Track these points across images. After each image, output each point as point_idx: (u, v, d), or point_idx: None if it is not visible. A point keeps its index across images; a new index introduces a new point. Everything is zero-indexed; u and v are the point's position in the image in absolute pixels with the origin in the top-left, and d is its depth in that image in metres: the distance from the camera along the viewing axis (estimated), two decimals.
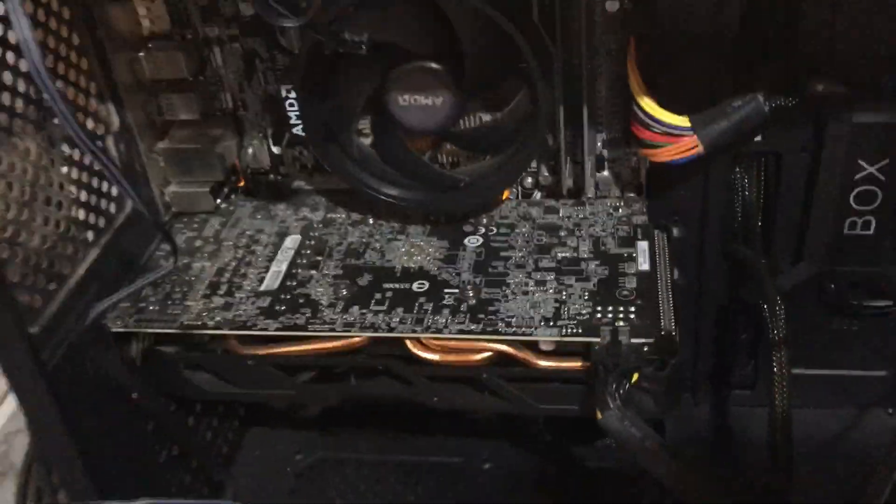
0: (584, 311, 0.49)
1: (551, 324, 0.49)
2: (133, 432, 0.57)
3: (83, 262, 0.52)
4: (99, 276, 0.53)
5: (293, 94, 0.53)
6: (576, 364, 0.49)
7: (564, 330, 0.48)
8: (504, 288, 0.52)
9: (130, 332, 0.52)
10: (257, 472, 0.71)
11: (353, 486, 0.69)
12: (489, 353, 0.50)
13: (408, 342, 0.50)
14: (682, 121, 0.47)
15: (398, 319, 0.50)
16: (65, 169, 0.51)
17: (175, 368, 0.55)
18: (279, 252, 0.57)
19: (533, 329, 0.48)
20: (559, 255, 0.54)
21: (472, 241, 0.57)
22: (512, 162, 0.55)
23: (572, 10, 0.51)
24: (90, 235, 0.53)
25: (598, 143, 0.57)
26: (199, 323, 0.52)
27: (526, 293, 0.51)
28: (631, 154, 0.57)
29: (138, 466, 0.58)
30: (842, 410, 0.59)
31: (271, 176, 0.63)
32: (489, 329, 0.49)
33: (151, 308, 0.53)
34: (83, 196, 0.53)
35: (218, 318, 0.52)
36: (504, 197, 0.60)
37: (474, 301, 0.51)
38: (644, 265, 0.52)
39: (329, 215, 0.61)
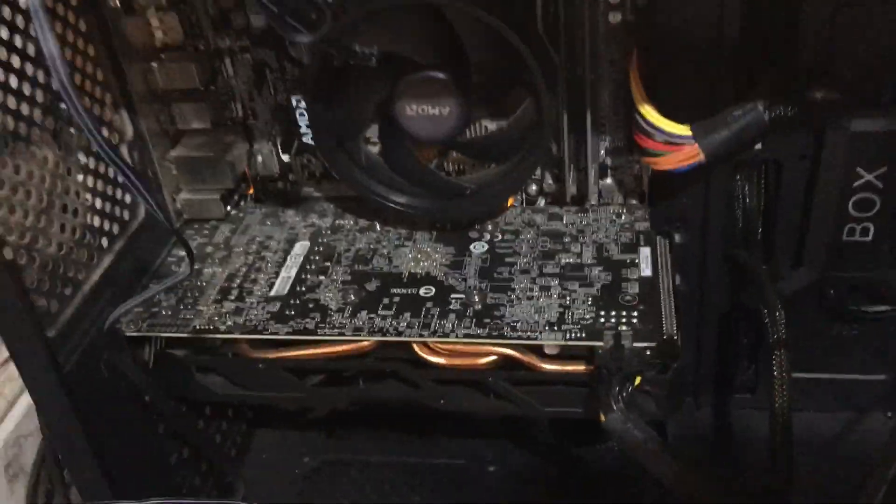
0: (587, 316, 0.50)
1: (555, 328, 0.49)
2: (145, 434, 0.58)
3: (98, 268, 0.53)
4: (113, 281, 0.54)
5: (303, 104, 0.54)
6: (580, 367, 0.50)
7: (568, 334, 0.49)
8: (509, 293, 0.52)
9: (144, 335, 0.53)
10: (265, 474, 0.71)
11: (359, 488, 0.69)
12: (495, 357, 0.51)
13: (415, 346, 0.51)
14: (684, 130, 0.47)
15: (406, 324, 0.51)
16: (80, 177, 0.52)
17: (187, 372, 0.55)
18: (289, 258, 0.58)
19: (537, 333, 0.49)
20: (563, 260, 0.55)
21: (478, 248, 0.57)
22: (517, 170, 0.56)
23: (576, 21, 0.52)
24: (104, 242, 0.54)
25: (602, 151, 0.57)
26: (211, 327, 0.52)
27: (531, 298, 0.52)
28: (633, 162, 0.58)
29: (150, 468, 0.59)
30: (842, 414, 0.60)
31: (280, 183, 0.64)
32: (495, 333, 0.49)
33: (164, 313, 0.54)
34: (98, 203, 0.54)
35: (229, 323, 0.52)
36: (509, 204, 0.61)
37: (480, 306, 0.52)
38: (646, 271, 0.53)
39: (337, 222, 0.62)
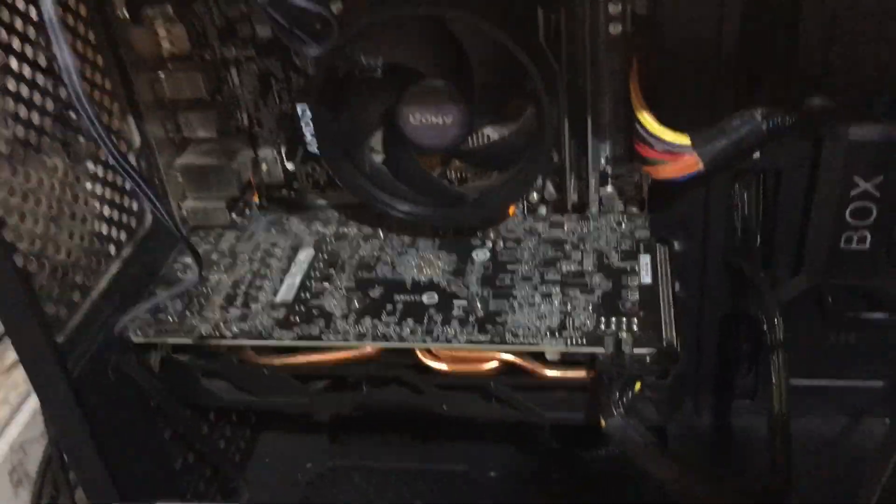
0: (588, 323, 0.50)
1: (557, 335, 0.49)
2: (151, 439, 0.59)
3: (105, 275, 0.54)
4: (120, 287, 0.54)
5: (308, 113, 0.54)
6: (580, 373, 0.50)
7: (569, 340, 0.49)
8: (511, 300, 0.53)
9: (151, 342, 0.54)
10: (269, 479, 0.71)
11: (362, 493, 0.69)
12: (497, 363, 0.51)
13: (418, 352, 0.51)
14: (684, 139, 0.48)
15: (409, 330, 0.51)
16: (89, 185, 0.53)
17: (193, 377, 0.56)
18: (293, 265, 0.59)
19: (539, 340, 0.49)
20: (564, 268, 0.55)
21: (480, 255, 0.58)
22: (518, 178, 0.56)
23: (577, 32, 0.52)
24: (112, 249, 0.55)
25: (602, 160, 0.58)
26: (217, 333, 0.53)
27: (532, 305, 0.52)
28: (634, 170, 0.58)
29: (156, 472, 0.59)
30: (840, 419, 0.60)
31: (285, 191, 0.65)
32: (497, 339, 0.50)
33: (171, 319, 0.54)
34: (106, 211, 0.55)
35: (235, 329, 0.53)
36: (511, 212, 0.61)
37: (482, 312, 0.52)
38: (646, 278, 0.53)
39: (341, 229, 0.62)
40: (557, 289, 0.53)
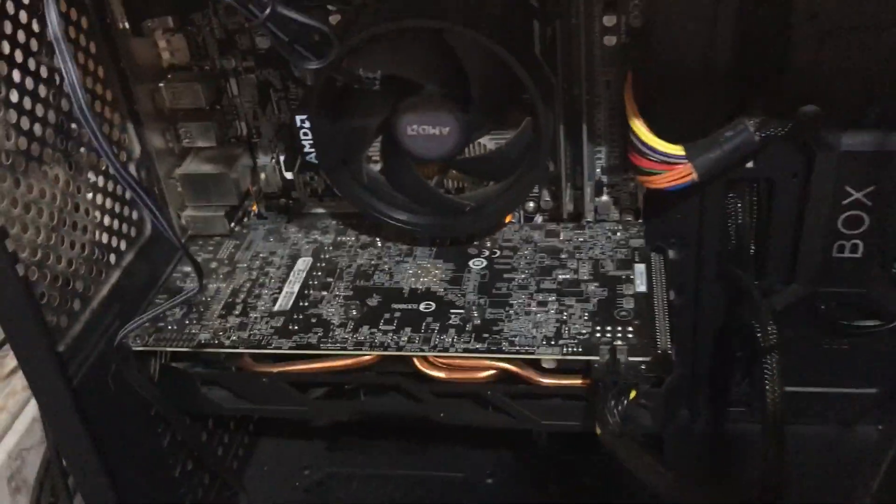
0: (584, 331, 0.50)
1: (553, 343, 0.50)
2: (151, 446, 0.59)
3: (106, 283, 0.54)
4: (120, 296, 0.55)
5: (306, 123, 0.55)
6: (576, 381, 0.50)
7: (565, 349, 0.49)
8: (507, 308, 0.53)
9: (150, 350, 0.54)
10: (267, 486, 0.72)
11: (360, 500, 0.70)
12: (493, 371, 0.51)
13: (416, 360, 0.52)
14: (677, 149, 0.48)
15: (406, 338, 0.52)
16: (90, 195, 0.53)
17: (192, 385, 0.56)
18: (291, 274, 0.59)
19: (535, 348, 0.50)
20: (560, 276, 0.56)
21: (477, 264, 0.58)
22: (515, 188, 0.57)
23: (573, 44, 0.53)
24: (112, 258, 0.55)
25: (598, 170, 0.58)
26: (216, 342, 0.53)
27: (528, 313, 0.52)
28: (629, 179, 0.58)
29: (155, 480, 0.60)
30: (833, 427, 0.60)
31: (283, 200, 0.65)
32: (493, 348, 0.50)
33: (170, 327, 0.55)
34: (106, 220, 0.55)
35: (234, 337, 0.53)
36: (507, 221, 0.61)
37: (479, 321, 0.52)
38: (641, 287, 0.54)
39: (339, 238, 0.62)
40: (553, 297, 0.54)
